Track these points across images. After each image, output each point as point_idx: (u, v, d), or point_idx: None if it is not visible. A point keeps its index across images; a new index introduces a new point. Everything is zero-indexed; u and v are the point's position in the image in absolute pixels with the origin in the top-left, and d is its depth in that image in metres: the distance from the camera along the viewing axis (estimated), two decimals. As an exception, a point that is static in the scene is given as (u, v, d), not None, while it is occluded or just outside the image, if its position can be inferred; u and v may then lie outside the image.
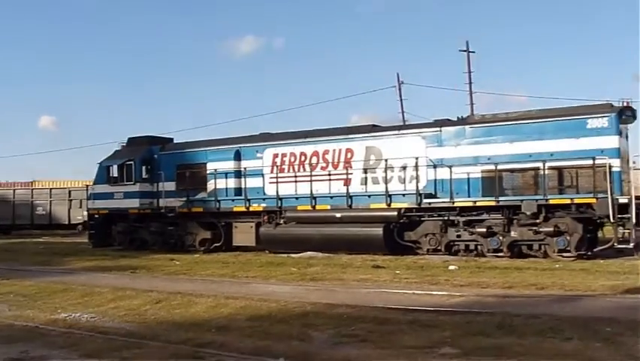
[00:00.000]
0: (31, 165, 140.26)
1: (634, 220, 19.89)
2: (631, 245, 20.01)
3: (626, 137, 21.64)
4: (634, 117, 21.79)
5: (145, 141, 32.39)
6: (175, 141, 33.04)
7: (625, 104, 21.36)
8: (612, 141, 20.58)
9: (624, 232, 20.23)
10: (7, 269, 22.75)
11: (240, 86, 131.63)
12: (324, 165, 26.11)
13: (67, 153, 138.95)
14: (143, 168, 30.85)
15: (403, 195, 23.95)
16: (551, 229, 20.96)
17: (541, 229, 21.20)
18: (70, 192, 47.15)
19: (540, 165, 21.26)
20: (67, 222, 47.02)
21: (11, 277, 20.00)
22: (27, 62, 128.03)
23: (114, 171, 31.36)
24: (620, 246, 20.28)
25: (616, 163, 20.40)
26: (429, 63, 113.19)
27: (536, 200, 21.26)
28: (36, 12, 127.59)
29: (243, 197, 27.72)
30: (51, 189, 50.09)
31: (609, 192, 19.83)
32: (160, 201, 30.13)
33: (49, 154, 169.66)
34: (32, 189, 51.45)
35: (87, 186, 37.21)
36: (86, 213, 37.89)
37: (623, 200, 20.04)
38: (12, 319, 13.01)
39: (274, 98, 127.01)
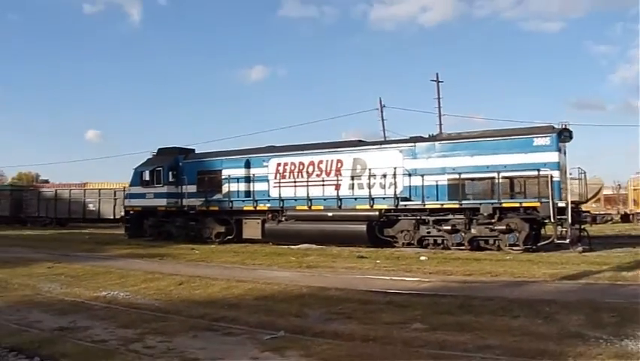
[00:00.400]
0: (79, 170, 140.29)
1: (570, 220, 20.21)
2: (567, 241, 20.29)
3: (564, 153, 21.75)
4: (570, 137, 21.96)
5: (172, 151, 32.40)
6: (196, 151, 33.03)
7: (563, 126, 21.61)
8: (553, 156, 20.83)
9: (562, 230, 20.52)
10: (60, 255, 22.72)
11: (250, 106, 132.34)
12: (318, 172, 26.12)
13: (110, 160, 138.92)
14: (170, 173, 30.75)
15: (383, 198, 24.04)
16: (504, 227, 21.20)
17: (495, 227, 21.40)
18: (115, 192, 47.04)
19: (495, 175, 21.42)
20: (112, 217, 46.86)
21: (63, 262, 20.08)
22: (77, 86, 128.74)
23: (146, 176, 31.39)
24: (558, 241, 20.45)
25: (556, 174, 20.61)
26: (406, 90, 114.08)
27: (492, 203, 21.43)
28: (80, 48, 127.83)
29: (251, 198, 27.76)
30: (100, 189, 49.97)
31: (550, 198, 20.13)
32: (183, 200, 30.17)
33: (95, 160, 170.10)
34: (85, 189, 51.15)
35: (124, 187, 37.41)
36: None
37: (561, 204, 20.29)
38: (63, 295, 13.15)
39: (278, 116, 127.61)
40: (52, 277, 16.13)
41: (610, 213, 47.06)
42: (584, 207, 23.73)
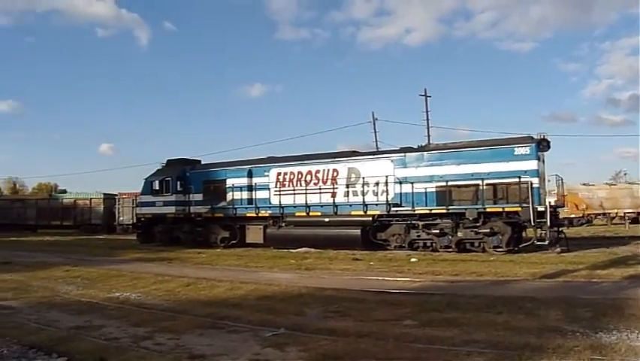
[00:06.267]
0: (94, 180, 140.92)
1: (548, 223, 20.36)
2: (546, 242, 20.43)
3: (543, 161, 21.81)
4: (548, 147, 21.98)
5: (179, 162, 32.51)
6: (202, 162, 32.98)
7: (542, 136, 21.67)
8: (533, 165, 20.94)
9: (541, 233, 20.69)
10: (76, 259, 22.75)
11: (251, 120, 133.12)
12: (315, 181, 26.16)
13: (121, 171, 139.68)
14: (178, 183, 30.77)
15: (376, 204, 24.07)
16: (488, 230, 21.36)
17: (480, 231, 21.54)
18: (133, 200, 46.51)
19: (480, 182, 21.52)
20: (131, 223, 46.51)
21: (79, 265, 20.12)
22: (91, 102, 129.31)
23: (156, 185, 31.48)
24: (538, 243, 20.59)
25: (536, 181, 20.70)
26: (396, 104, 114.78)
27: (477, 208, 21.55)
28: (93, 67, 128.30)
29: (253, 206, 27.82)
30: (118, 198, 50.11)
31: (530, 203, 20.23)
32: (190, 208, 30.24)
33: (108, 171, 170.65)
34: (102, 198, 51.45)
35: (125, 196, 37.33)
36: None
37: (540, 208, 20.43)
38: (79, 296, 13.14)
39: (277, 129, 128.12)
40: (70, 280, 16.15)
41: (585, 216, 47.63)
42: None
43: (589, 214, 47.74)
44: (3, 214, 57.00)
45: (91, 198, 52.68)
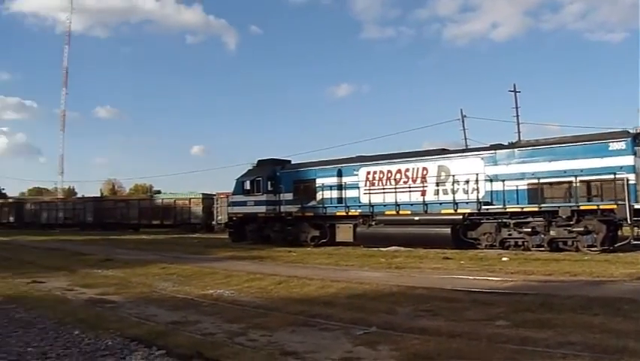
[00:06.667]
0: (186, 181, 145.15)
1: (646, 222, 19.77)
2: (644, 241, 19.87)
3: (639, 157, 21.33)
4: (645, 141, 21.44)
5: (270, 162, 32.98)
6: (292, 162, 33.45)
7: (638, 131, 21.13)
8: (629, 160, 20.27)
9: (638, 232, 20.07)
10: (172, 257, 23.38)
11: (339, 120, 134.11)
12: (405, 179, 26.14)
13: (212, 172, 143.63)
14: (269, 182, 31.27)
15: (467, 202, 23.89)
16: (582, 228, 20.74)
17: (573, 229, 20.96)
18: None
19: (573, 179, 21.06)
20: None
21: (175, 262, 20.59)
22: (182, 106, 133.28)
23: (247, 185, 32.15)
24: (635, 242, 19.91)
25: (632, 177, 20.05)
26: (483, 101, 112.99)
27: (570, 206, 21.03)
28: (183, 73, 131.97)
29: (343, 205, 28.06)
30: (216, 198, 51.22)
31: (627, 200, 19.56)
32: (281, 207, 30.71)
33: (199, 172, 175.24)
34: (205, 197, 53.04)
35: (222, 196, 38.17)
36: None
37: (637, 206, 19.74)
38: (175, 292, 13.38)
39: (365, 128, 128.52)
40: (166, 277, 16.52)
41: None
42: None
43: None
44: (108, 214, 60.02)
45: (190, 198, 54.25)
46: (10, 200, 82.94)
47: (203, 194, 53.55)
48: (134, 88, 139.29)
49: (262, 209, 31.45)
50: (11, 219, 70.65)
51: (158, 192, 71.40)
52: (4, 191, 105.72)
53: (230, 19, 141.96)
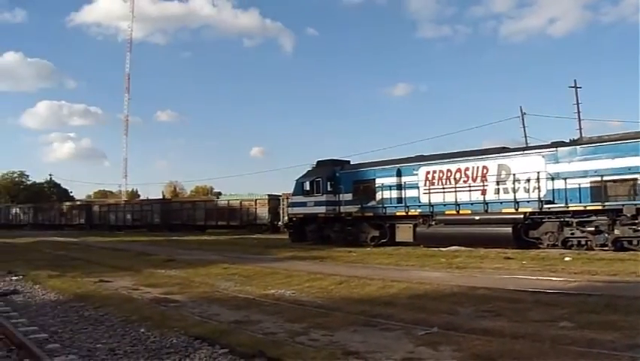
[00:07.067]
0: (246, 182, 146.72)
1: None
2: None
3: None
4: None
5: (329, 163, 33.12)
6: (351, 163, 33.45)
7: None
8: (694, 155, 19.75)
9: None
10: (234, 257, 23.56)
11: (396, 120, 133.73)
12: (465, 179, 25.99)
13: (271, 173, 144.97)
14: (328, 183, 31.39)
15: (528, 201, 23.61)
16: (648, 227, 20.37)
17: (639, 228, 20.58)
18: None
19: (638, 176, 20.64)
20: None
21: (236, 263, 20.74)
22: (242, 109, 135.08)
23: (307, 186, 32.37)
24: None
25: (698, 173, 19.56)
26: (543, 98, 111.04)
27: (635, 204, 20.59)
28: (242, 76, 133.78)
29: (403, 204, 27.99)
30: (282, 198, 51.66)
31: (695, 198, 19.21)
32: (340, 207, 30.85)
33: (259, 173, 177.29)
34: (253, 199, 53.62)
35: (287, 197, 38.48)
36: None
37: None
38: (237, 292, 13.53)
39: (423, 128, 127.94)
40: (228, 277, 16.67)
41: None
42: None
43: None
44: (175, 216, 61.38)
45: (256, 199, 54.66)
46: (79, 203, 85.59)
47: (269, 195, 53.96)
48: (193, 92, 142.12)
49: (322, 209, 31.59)
50: (81, 221, 72.60)
51: (219, 193, 72.41)
52: (71, 194, 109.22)
53: (286, 21, 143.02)
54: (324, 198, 31.52)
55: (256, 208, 54.05)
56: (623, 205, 20.94)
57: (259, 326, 9.42)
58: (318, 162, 34.14)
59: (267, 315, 10.45)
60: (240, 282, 15.55)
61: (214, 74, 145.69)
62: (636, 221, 20.63)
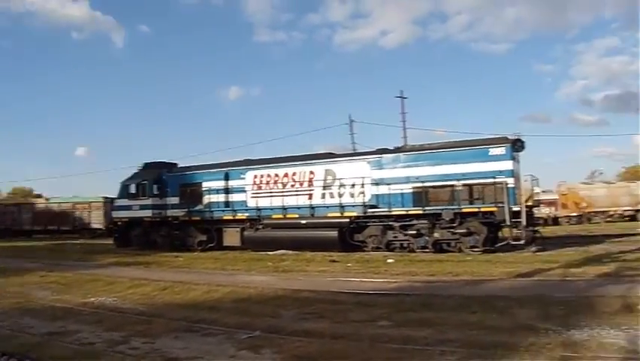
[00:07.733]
0: (70, 184, 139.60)
1: (524, 223, 20.54)
2: (522, 242, 20.61)
3: (518, 161, 22.01)
4: (523, 147, 22.23)
5: (156, 165, 32.14)
6: (179, 165, 32.70)
7: (516, 137, 21.97)
8: (508, 165, 21.11)
9: (517, 232, 20.84)
10: (52, 264, 22.55)
11: (228, 123, 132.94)
12: (292, 183, 26.13)
13: (98, 175, 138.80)
14: (155, 186, 30.51)
15: (353, 206, 24.10)
16: (464, 230, 21.51)
17: (456, 231, 21.68)
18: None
19: (455, 182, 21.70)
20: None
21: (54, 270, 19.87)
22: (66, 105, 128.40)
23: (132, 189, 31.23)
24: (514, 242, 20.75)
25: (511, 181, 20.84)
26: (373, 106, 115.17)
27: (453, 209, 21.68)
28: (68, 70, 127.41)
29: (230, 208, 27.73)
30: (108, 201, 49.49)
31: (506, 203, 20.39)
32: (167, 211, 30.08)
33: (85, 175, 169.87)
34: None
35: (111, 200, 36.99)
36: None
37: (516, 208, 20.59)
38: (54, 301, 13.04)
39: (255, 132, 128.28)
40: (44, 285, 16.01)
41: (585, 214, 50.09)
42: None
43: (589, 212, 49.67)
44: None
45: (90, 202, 51.91)
46: None
47: (104, 197, 51.39)
48: (11, 83, 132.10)
49: (148, 213, 30.61)
50: None
51: (39, 196, 68.36)
52: None
53: (118, 16, 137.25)
54: (150, 201, 30.52)
55: (90, 212, 51.44)
56: (442, 210, 21.96)
57: (76, 337, 9.14)
58: (145, 164, 32.91)
59: (86, 325, 10.11)
60: (58, 290, 14.95)
61: (37, 65, 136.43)
62: (454, 225, 21.75)
